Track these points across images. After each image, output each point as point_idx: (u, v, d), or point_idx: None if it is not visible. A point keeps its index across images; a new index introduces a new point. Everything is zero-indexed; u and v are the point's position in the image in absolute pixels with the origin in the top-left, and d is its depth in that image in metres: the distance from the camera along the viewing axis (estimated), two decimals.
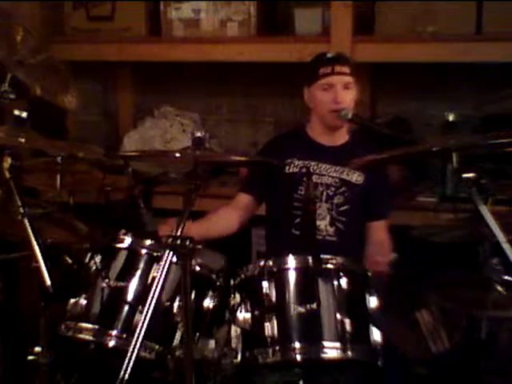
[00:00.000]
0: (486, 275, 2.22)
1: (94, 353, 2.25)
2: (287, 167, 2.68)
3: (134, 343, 1.87)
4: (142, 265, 2.29)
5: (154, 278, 2.16)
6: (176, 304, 2.23)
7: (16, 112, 2.28)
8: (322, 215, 2.61)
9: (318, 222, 2.57)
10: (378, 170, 2.69)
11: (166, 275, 1.94)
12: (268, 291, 2.15)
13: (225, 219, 2.72)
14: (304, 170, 2.48)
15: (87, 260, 2.33)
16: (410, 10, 3.26)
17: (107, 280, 2.25)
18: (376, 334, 2.14)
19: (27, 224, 2.07)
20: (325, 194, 2.63)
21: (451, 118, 2.24)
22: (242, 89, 3.94)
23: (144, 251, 2.31)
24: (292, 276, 2.18)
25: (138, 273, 2.28)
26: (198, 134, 2.11)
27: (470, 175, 2.00)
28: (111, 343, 2.20)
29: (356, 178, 2.65)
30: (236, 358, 2.16)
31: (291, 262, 2.19)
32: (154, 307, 1.90)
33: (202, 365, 2.25)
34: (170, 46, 3.66)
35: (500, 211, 2.28)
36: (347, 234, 2.63)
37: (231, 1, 3.53)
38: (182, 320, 2.14)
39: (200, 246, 2.01)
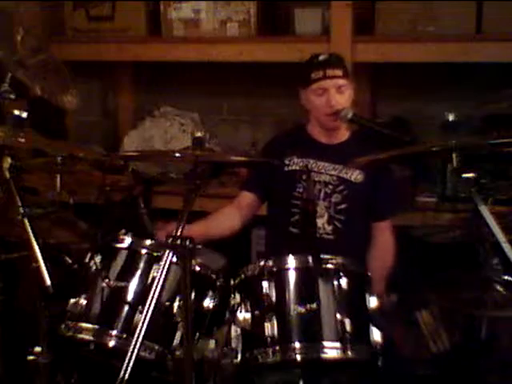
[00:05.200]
0: (485, 275, 2.22)
1: (94, 353, 2.25)
2: (287, 165, 2.68)
3: (134, 343, 1.87)
4: (142, 265, 2.29)
5: (153, 278, 2.16)
6: (176, 304, 2.22)
7: (16, 112, 2.27)
8: (319, 213, 2.60)
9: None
10: (381, 169, 2.66)
11: (166, 275, 1.94)
12: (268, 291, 2.15)
13: (228, 218, 2.73)
14: (304, 169, 2.48)
15: (87, 260, 2.32)
16: (410, 10, 3.27)
17: (107, 280, 2.25)
18: (376, 334, 2.14)
19: (27, 224, 2.07)
20: (323, 192, 2.63)
21: (451, 117, 2.24)
22: (242, 89, 3.94)
23: (144, 251, 2.31)
24: (292, 276, 2.17)
25: (138, 273, 2.28)
26: (198, 134, 2.11)
27: (470, 175, 2.00)
28: (111, 343, 2.20)
29: (355, 176, 2.65)
30: (236, 358, 2.16)
31: (291, 261, 2.18)
32: (154, 307, 1.90)
33: (202, 365, 2.24)
34: (170, 46, 3.66)
35: (500, 211, 2.28)
36: (345, 232, 2.62)
37: (231, 1, 3.54)
38: (182, 320, 2.14)
39: (200, 246, 2.01)
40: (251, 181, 2.81)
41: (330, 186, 2.63)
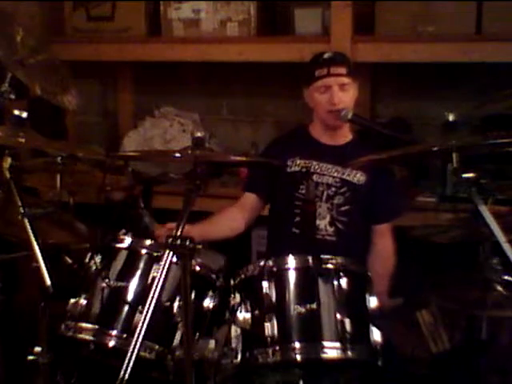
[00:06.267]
0: (485, 275, 2.22)
1: (93, 353, 2.25)
2: (289, 166, 2.68)
3: (134, 343, 1.87)
4: (142, 265, 2.29)
5: (154, 278, 2.16)
6: (176, 304, 2.23)
7: (16, 112, 2.27)
8: (322, 215, 2.60)
9: (318, 222, 2.57)
10: (381, 172, 2.66)
11: (166, 275, 1.94)
12: (268, 291, 2.15)
13: (230, 220, 2.71)
14: (304, 170, 2.47)
15: (87, 260, 2.32)
16: (410, 9, 3.26)
17: (107, 280, 2.25)
18: (376, 334, 2.14)
19: (27, 224, 2.07)
20: (325, 193, 2.63)
21: (451, 118, 2.24)
22: (242, 89, 3.94)
23: (144, 251, 2.31)
24: (292, 276, 2.17)
25: (138, 273, 2.28)
26: (198, 134, 2.11)
27: (470, 175, 2.00)
28: (111, 343, 2.20)
29: (358, 178, 2.64)
30: (236, 358, 2.15)
31: (291, 262, 2.18)
32: (154, 307, 1.90)
33: (202, 365, 2.24)
34: (170, 46, 3.66)
35: (500, 211, 2.28)
36: (347, 234, 2.62)
37: (231, 1, 3.53)
38: (182, 320, 2.14)
39: (200, 246, 2.01)
40: (254, 182, 2.81)
41: (333, 188, 2.63)
